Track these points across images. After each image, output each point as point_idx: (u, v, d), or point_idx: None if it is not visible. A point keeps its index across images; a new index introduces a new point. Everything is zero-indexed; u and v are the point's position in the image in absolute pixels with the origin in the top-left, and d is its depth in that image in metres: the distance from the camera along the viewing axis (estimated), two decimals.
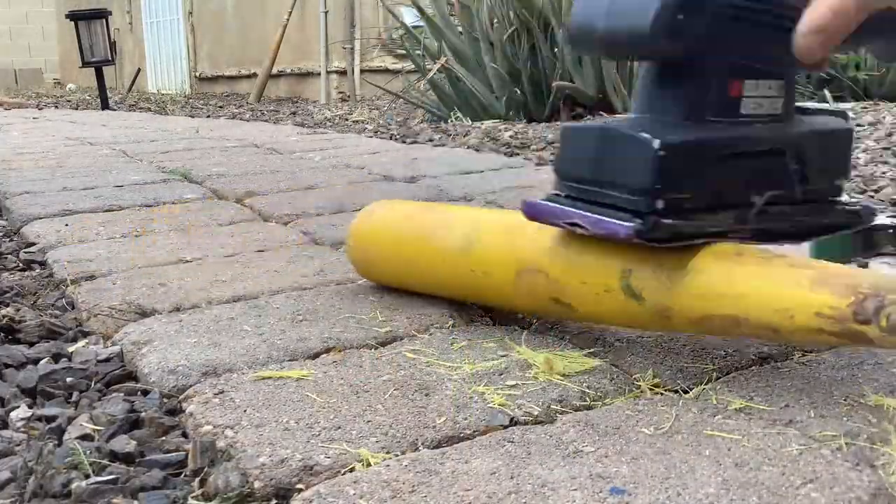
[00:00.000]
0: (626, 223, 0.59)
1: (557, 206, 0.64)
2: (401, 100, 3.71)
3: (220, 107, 4.79)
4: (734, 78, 0.61)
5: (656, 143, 0.58)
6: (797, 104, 0.67)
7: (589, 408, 0.60)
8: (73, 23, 4.80)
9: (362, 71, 5.00)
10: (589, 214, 0.62)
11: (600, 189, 0.62)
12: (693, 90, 0.61)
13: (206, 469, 0.53)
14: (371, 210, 0.87)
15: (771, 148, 0.63)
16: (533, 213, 0.67)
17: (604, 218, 0.61)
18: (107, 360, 0.72)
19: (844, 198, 0.68)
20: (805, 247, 0.76)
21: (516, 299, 0.73)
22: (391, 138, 2.59)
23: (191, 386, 0.65)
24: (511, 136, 2.42)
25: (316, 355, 0.71)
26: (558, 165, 0.66)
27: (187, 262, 1.03)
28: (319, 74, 5.11)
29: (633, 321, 0.65)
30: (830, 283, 0.54)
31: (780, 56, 0.60)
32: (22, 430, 0.60)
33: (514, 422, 0.57)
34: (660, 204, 0.59)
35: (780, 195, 0.63)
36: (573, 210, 0.63)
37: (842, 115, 0.69)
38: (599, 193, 0.62)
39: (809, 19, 0.56)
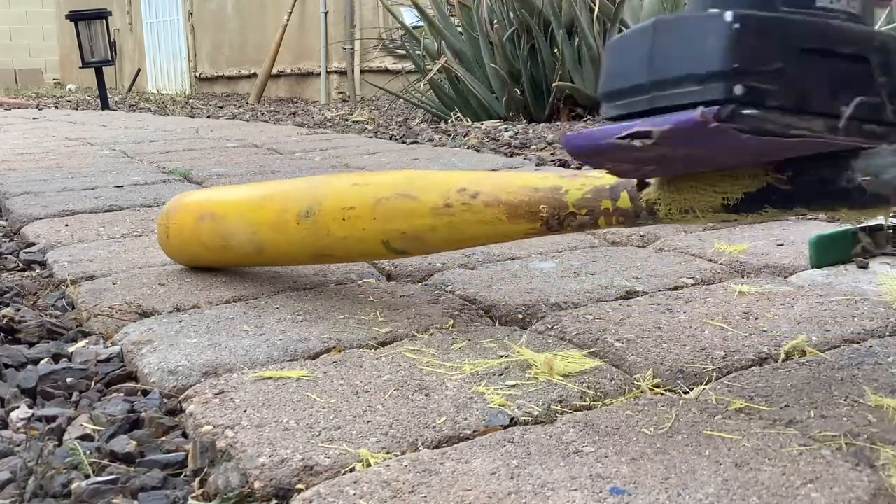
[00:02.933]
0: (694, 111, 0.50)
1: (606, 127, 0.55)
2: (401, 100, 3.71)
3: (220, 107, 4.79)
4: None
5: (728, 16, 0.49)
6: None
7: (589, 408, 0.60)
8: (73, 23, 4.80)
9: (362, 71, 5.00)
10: (650, 118, 0.52)
11: (661, 92, 0.53)
12: None
13: (206, 469, 0.53)
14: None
15: (855, 52, 0.54)
16: (578, 144, 0.57)
17: (668, 115, 0.51)
18: (107, 360, 0.72)
19: None
20: (804, 246, 0.75)
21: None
22: (391, 138, 2.59)
23: (191, 386, 0.65)
24: (511, 137, 2.42)
25: (316, 355, 0.71)
26: (602, 87, 0.58)
27: None
28: (319, 75, 5.11)
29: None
30: None
31: None
32: (22, 430, 0.60)
33: (514, 422, 0.57)
34: (738, 90, 0.50)
35: (871, 110, 0.54)
36: (628, 123, 0.53)
37: None
38: (661, 97, 0.53)
39: None
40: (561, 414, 0.59)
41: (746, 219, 0.63)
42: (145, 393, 0.66)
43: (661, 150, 0.53)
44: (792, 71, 0.52)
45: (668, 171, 0.62)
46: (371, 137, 2.64)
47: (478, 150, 2.16)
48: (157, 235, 0.99)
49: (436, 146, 2.32)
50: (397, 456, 0.53)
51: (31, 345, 0.77)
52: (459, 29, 3.21)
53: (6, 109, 4.92)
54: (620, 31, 2.86)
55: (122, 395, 0.66)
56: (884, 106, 0.54)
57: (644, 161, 0.57)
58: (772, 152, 0.57)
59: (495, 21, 3.01)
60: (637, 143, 0.52)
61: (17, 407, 0.63)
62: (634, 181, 0.66)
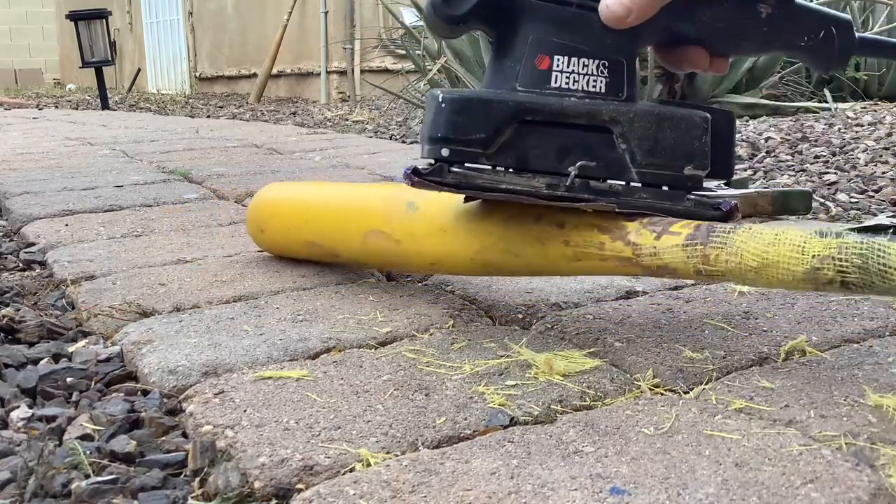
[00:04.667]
0: (406, 169, 0.68)
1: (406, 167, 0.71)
2: (401, 100, 3.71)
3: (220, 107, 4.79)
4: (543, 53, 0.67)
5: (440, 96, 0.67)
6: (668, 99, 0.74)
7: (589, 408, 0.60)
8: (73, 23, 4.80)
9: (362, 71, 5.00)
10: (409, 165, 0.69)
11: (421, 145, 0.70)
12: (509, 61, 0.68)
13: (206, 469, 0.53)
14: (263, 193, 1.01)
15: (587, 123, 0.67)
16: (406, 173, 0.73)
17: (413, 166, 0.69)
18: (107, 360, 0.72)
19: (708, 188, 0.71)
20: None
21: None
22: (391, 138, 2.59)
23: (191, 386, 0.65)
24: None
25: (316, 355, 0.71)
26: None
27: (187, 262, 1.03)
28: (319, 74, 5.11)
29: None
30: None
31: (591, 38, 0.67)
32: (22, 430, 0.60)
33: (514, 422, 0.57)
34: (445, 151, 0.67)
35: (611, 172, 0.67)
36: (406, 167, 0.70)
37: (720, 112, 0.71)
38: (422, 149, 0.70)
39: None
40: (561, 414, 0.59)
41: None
42: (145, 393, 0.66)
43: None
44: (508, 138, 0.67)
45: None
46: (371, 137, 2.64)
47: None
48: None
49: None
50: (397, 456, 0.53)
51: (31, 345, 0.77)
52: None
53: (6, 109, 4.92)
54: None
55: (122, 394, 0.66)
56: (627, 168, 0.67)
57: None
58: (494, 199, 0.71)
59: None
60: (406, 180, 0.69)
61: (17, 407, 0.63)
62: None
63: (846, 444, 0.52)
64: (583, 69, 0.67)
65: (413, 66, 3.50)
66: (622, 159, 0.67)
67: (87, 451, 0.55)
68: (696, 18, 0.68)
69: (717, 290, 0.87)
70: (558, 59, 0.67)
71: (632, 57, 0.69)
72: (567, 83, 0.67)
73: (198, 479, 0.52)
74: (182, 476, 0.53)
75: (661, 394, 0.62)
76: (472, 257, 0.75)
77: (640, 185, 0.68)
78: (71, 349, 0.75)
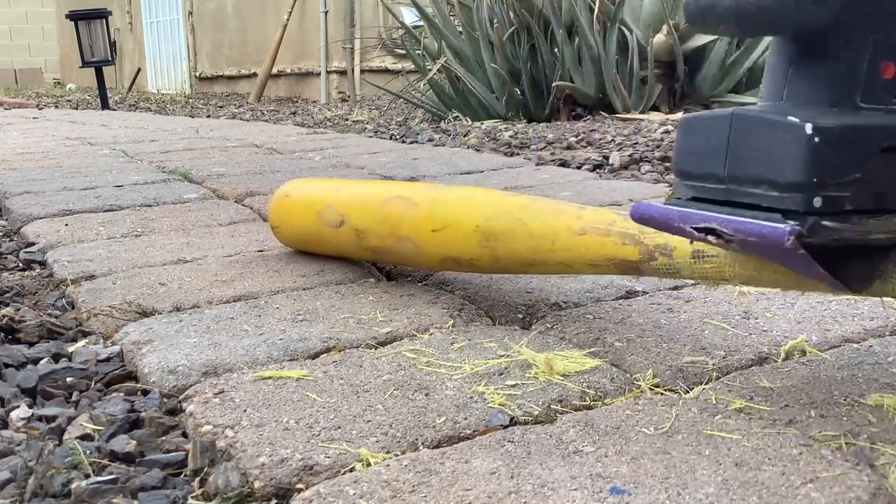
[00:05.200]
0: (779, 224, 0.49)
1: (685, 209, 0.55)
2: (401, 100, 3.71)
3: (220, 107, 4.79)
4: (887, 58, 0.53)
5: (808, 128, 0.49)
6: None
7: (589, 408, 0.60)
8: (73, 23, 4.80)
9: (362, 71, 5.00)
10: (729, 217, 0.52)
11: (739, 188, 0.52)
12: (839, 71, 0.53)
13: (206, 469, 0.53)
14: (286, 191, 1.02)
15: None
16: (649, 215, 0.57)
17: (749, 220, 0.51)
18: (107, 360, 0.72)
19: None
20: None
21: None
22: (391, 138, 2.59)
23: (191, 386, 0.65)
24: (511, 136, 2.42)
25: (316, 355, 0.71)
26: (678, 163, 0.57)
27: (187, 262, 1.03)
28: (319, 74, 5.11)
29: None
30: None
31: None
32: (22, 430, 0.60)
33: (514, 422, 0.57)
34: (818, 202, 0.49)
35: None
36: (708, 213, 0.53)
37: None
38: (738, 192, 0.53)
39: None
40: (561, 414, 0.59)
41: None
42: (145, 393, 0.66)
43: (742, 248, 0.53)
44: (871, 174, 0.51)
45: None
46: (371, 137, 2.64)
47: (478, 150, 2.16)
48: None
49: (436, 146, 2.32)
50: (397, 456, 0.53)
51: (31, 344, 0.77)
52: (459, 29, 3.21)
53: (6, 109, 4.92)
54: (620, 30, 2.87)
55: (122, 394, 0.66)
56: None
57: (730, 251, 0.57)
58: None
59: (495, 21, 3.01)
60: (711, 238, 0.52)
61: (17, 406, 0.63)
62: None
63: (846, 444, 0.52)
64: None
65: (413, 66, 3.50)
66: None
67: (87, 451, 0.55)
68: None
69: (717, 290, 0.87)
70: None
71: None
72: None
73: (198, 479, 0.52)
74: (182, 476, 0.53)
75: (661, 394, 0.62)
76: (478, 224, 0.77)
77: None
78: (71, 349, 0.75)
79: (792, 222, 0.49)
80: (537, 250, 0.75)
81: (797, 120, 0.49)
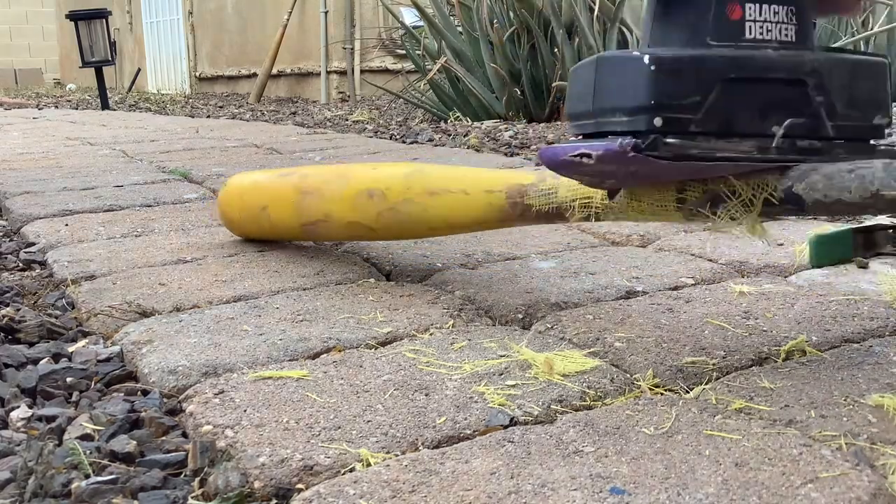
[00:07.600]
0: (623, 140, 0.59)
1: (568, 144, 0.64)
2: (401, 100, 3.71)
3: (220, 107, 4.79)
4: (733, 0, 0.60)
5: (646, 59, 0.59)
6: (829, 45, 0.68)
7: (589, 408, 0.60)
8: (73, 23, 4.80)
9: (362, 71, 5.00)
10: (594, 143, 0.61)
11: (603, 119, 0.62)
12: (691, 14, 0.61)
13: (206, 469, 0.53)
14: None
15: (788, 76, 0.61)
16: (546, 156, 0.66)
17: (607, 142, 0.60)
18: (107, 360, 0.72)
19: (887, 140, 0.65)
20: (805, 247, 0.76)
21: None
22: (391, 138, 2.59)
23: (191, 386, 0.65)
24: (511, 136, 2.42)
25: (316, 355, 0.71)
26: (567, 108, 0.67)
27: (187, 262, 1.03)
28: (319, 74, 5.11)
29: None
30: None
31: None
32: (22, 430, 0.60)
33: (514, 422, 0.57)
34: (658, 121, 0.59)
35: (808, 129, 0.61)
36: (582, 143, 0.62)
37: (875, 54, 0.67)
38: (603, 123, 0.62)
39: None
40: (561, 414, 0.59)
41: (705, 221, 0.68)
42: (145, 393, 0.66)
43: (603, 167, 0.62)
44: (715, 101, 0.59)
45: (624, 184, 0.70)
46: (371, 137, 2.64)
47: (478, 150, 2.16)
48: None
49: (436, 146, 2.32)
50: (397, 456, 0.53)
51: (31, 344, 0.77)
52: (459, 29, 3.21)
53: (6, 109, 4.92)
54: (621, 31, 2.87)
55: (122, 394, 0.66)
56: (823, 123, 0.61)
57: (599, 175, 0.65)
58: (705, 172, 0.63)
59: (495, 21, 3.01)
60: (584, 160, 0.62)
61: (17, 407, 0.63)
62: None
63: (846, 444, 0.52)
64: (774, 17, 0.61)
65: (413, 66, 3.50)
66: (818, 114, 0.61)
67: (87, 451, 0.55)
68: None
69: (717, 289, 0.87)
70: (750, 7, 0.60)
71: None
72: (761, 33, 0.61)
73: (198, 479, 0.52)
74: (182, 476, 0.53)
75: (661, 394, 0.62)
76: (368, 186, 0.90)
77: (841, 140, 0.62)
78: (71, 349, 0.75)
79: (634, 139, 0.59)
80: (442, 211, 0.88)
81: (638, 54, 0.59)
